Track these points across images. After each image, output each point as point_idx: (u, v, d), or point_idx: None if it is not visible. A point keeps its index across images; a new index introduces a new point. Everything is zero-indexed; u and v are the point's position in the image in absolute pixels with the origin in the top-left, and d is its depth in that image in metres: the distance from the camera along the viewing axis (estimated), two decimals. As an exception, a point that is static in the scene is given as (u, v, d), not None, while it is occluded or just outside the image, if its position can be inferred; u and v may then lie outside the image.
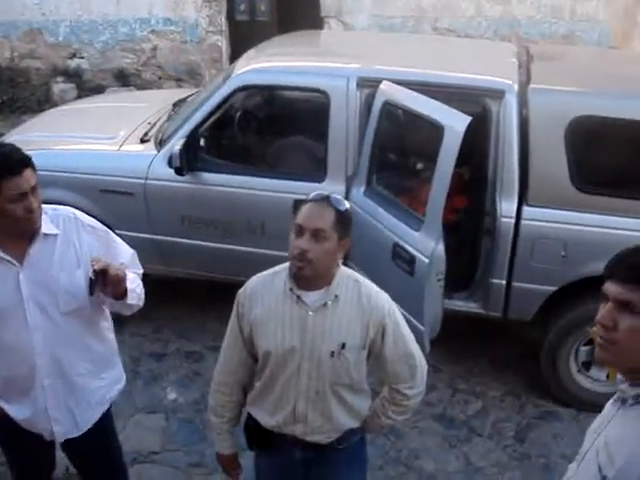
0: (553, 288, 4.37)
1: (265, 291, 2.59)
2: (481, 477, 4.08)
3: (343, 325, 2.52)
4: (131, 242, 2.97)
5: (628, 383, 1.81)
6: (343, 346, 2.52)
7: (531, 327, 4.73)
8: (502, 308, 4.50)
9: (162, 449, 4.19)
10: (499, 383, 4.82)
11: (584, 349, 4.44)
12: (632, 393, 1.79)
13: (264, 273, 2.66)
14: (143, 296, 2.85)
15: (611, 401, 1.93)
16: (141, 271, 2.94)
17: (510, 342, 5.17)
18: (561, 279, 4.33)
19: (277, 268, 2.64)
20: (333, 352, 2.52)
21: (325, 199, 2.49)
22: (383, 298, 2.59)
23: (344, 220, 2.49)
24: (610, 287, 1.74)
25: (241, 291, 2.66)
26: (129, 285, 2.66)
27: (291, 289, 2.53)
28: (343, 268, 2.59)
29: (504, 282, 4.40)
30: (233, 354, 2.71)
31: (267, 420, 2.68)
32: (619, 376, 1.88)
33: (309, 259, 2.40)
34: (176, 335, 5.19)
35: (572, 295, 4.35)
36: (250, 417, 2.76)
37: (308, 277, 2.46)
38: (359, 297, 2.55)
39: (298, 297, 2.52)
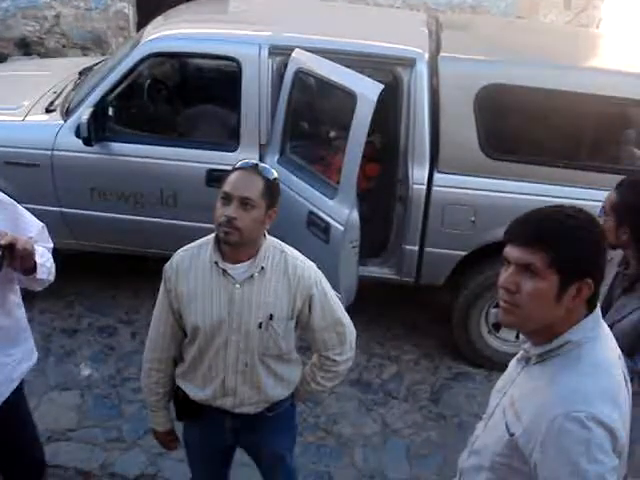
0: (463, 253, 4.49)
1: (191, 265, 2.55)
2: (398, 438, 4.19)
3: (270, 296, 2.52)
4: (38, 216, 2.87)
5: (531, 343, 1.88)
6: (271, 317, 2.52)
7: (443, 291, 4.85)
8: (415, 273, 4.59)
9: (78, 426, 4.11)
10: (413, 347, 4.93)
11: (494, 311, 4.58)
12: (535, 352, 1.85)
13: (190, 246, 2.62)
14: (54, 270, 2.77)
15: (514, 360, 2.00)
16: (51, 245, 2.85)
17: (423, 306, 5.29)
18: (471, 244, 4.45)
19: (202, 240, 2.60)
20: (261, 324, 2.52)
21: (254, 167, 2.47)
22: (310, 268, 2.59)
23: (272, 189, 2.48)
24: (511, 251, 1.78)
25: (167, 266, 2.62)
26: (38, 259, 2.58)
27: (216, 263, 2.50)
28: (269, 239, 2.57)
29: (416, 248, 4.48)
30: (165, 330, 2.66)
31: (197, 393, 2.67)
32: (522, 336, 1.94)
33: (237, 227, 2.38)
34: (88, 310, 5.08)
35: (482, 259, 4.47)
36: (179, 388, 2.74)
37: (234, 243, 2.42)
38: (285, 268, 2.54)
39: (224, 271, 2.49)
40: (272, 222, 2.53)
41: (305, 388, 2.81)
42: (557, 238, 1.72)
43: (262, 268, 2.51)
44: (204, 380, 2.64)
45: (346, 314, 2.72)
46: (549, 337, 1.80)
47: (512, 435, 1.80)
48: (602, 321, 1.86)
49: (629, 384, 1.86)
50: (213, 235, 2.53)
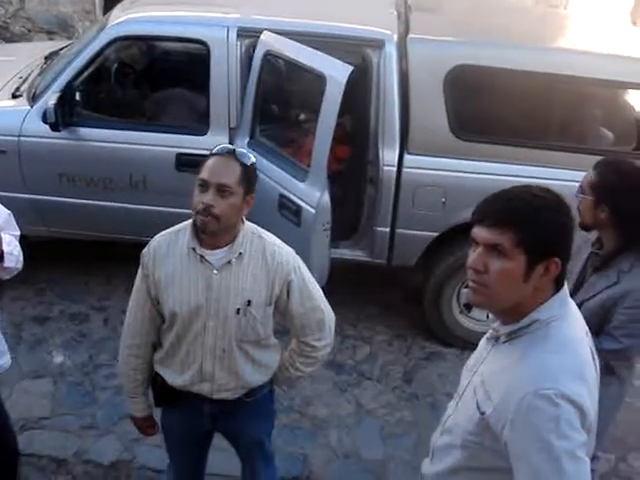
0: (435, 234, 4.51)
1: (169, 251, 2.53)
2: (372, 419, 4.22)
3: (248, 282, 2.51)
4: (6, 203, 2.85)
5: (500, 322, 1.90)
6: (249, 303, 2.51)
7: (415, 272, 4.87)
8: (387, 255, 4.61)
9: (52, 414, 4.09)
10: (386, 327, 4.96)
11: (464, 291, 4.61)
12: (504, 331, 1.87)
13: (167, 232, 2.60)
14: (22, 259, 2.75)
15: (484, 339, 2.02)
16: (18, 232, 2.83)
17: (395, 287, 5.32)
18: (442, 225, 4.47)
19: (180, 226, 2.58)
20: (239, 309, 2.51)
21: (231, 153, 2.44)
22: (288, 254, 2.58)
23: (250, 175, 2.46)
24: (479, 231, 1.79)
25: (145, 251, 2.59)
26: (5, 248, 2.56)
27: (194, 249, 2.48)
28: (247, 224, 2.56)
29: (388, 229, 4.50)
30: (143, 315, 2.64)
31: (175, 379, 2.66)
32: (491, 315, 1.96)
33: (214, 214, 2.35)
34: (59, 297, 5.04)
35: (453, 240, 4.49)
36: (157, 374, 2.73)
37: (213, 231, 2.41)
38: (264, 253, 2.52)
39: (202, 257, 2.48)
40: (250, 208, 2.51)
41: (284, 374, 2.81)
42: (524, 218, 1.74)
43: (240, 254, 2.49)
44: (182, 366, 2.63)
45: (325, 299, 2.71)
46: (517, 316, 1.82)
47: (483, 414, 1.82)
48: (570, 300, 1.88)
49: (597, 361, 1.89)
50: (191, 221, 2.51)
